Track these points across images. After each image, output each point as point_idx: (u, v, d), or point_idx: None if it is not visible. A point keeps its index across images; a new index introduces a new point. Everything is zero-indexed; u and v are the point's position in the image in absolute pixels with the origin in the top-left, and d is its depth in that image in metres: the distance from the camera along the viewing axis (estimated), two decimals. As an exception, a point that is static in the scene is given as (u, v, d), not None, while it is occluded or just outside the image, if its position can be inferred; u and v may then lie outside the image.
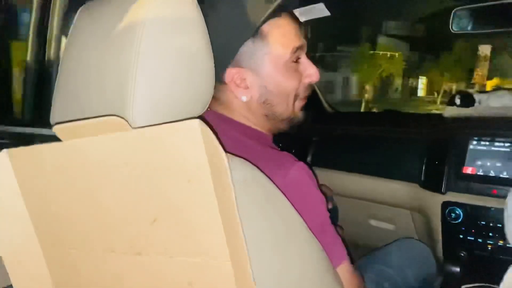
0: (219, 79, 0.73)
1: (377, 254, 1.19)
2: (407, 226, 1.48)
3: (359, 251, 1.43)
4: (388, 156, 1.45)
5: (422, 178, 1.33)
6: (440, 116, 1.48)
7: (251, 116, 0.78)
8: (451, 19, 1.32)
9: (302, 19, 0.94)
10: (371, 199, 1.51)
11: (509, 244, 1.16)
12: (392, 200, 1.45)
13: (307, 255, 0.63)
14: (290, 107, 0.78)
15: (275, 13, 0.72)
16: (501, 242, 1.17)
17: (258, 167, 0.57)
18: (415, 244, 1.28)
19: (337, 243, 0.72)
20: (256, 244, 0.53)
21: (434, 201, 1.27)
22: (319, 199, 0.70)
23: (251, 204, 0.54)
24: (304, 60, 0.78)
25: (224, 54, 0.72)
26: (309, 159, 1.63)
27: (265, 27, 0.73)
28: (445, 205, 1.24)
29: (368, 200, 1.52)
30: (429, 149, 1.34)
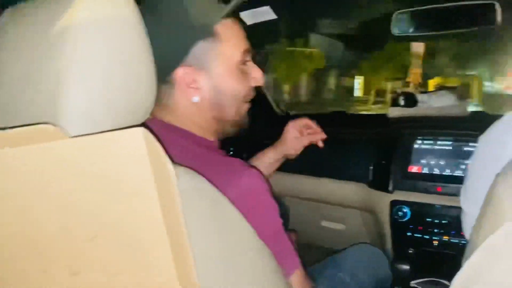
0: (166, 80, 0.70)
1: (330, 260, 1.19)
2: (357, 226, 1.51)
3: (312, 252, 1.44)
4: (337, 157, 1.47)
5: (370, 178, 1.35)
6: (385, 116, 1.52)
7: (199, 119, 0.75)
8: (392, 22, 1.35)
9: (248, 22, 0.92)
10: (322, 200, 1.52)
11: (452, 239, 1.21)
12: (342, 200, 1.47)
13: (257, 265, 0.62)
14: (238, 109, 0.77)
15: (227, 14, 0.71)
16: (446, 238, 1.22)
17: (209, 175, 0.55)
18: (369, 249, 1.29)
19: (290, 252, 0.71)
20: (204, 257, 0.50)
21: (382, 200, 1.30)
22: (272, 207, 0.68)
23: (197, 214, 0.51)
24: (250, 63, 0.78)
25: (174, 54, 0.69)
26: None
27: (218, 27, 0.71)
28: (393, 204, 1.27)
29: (319, 201, 1.53)
30: (376, 150, 1.37)
